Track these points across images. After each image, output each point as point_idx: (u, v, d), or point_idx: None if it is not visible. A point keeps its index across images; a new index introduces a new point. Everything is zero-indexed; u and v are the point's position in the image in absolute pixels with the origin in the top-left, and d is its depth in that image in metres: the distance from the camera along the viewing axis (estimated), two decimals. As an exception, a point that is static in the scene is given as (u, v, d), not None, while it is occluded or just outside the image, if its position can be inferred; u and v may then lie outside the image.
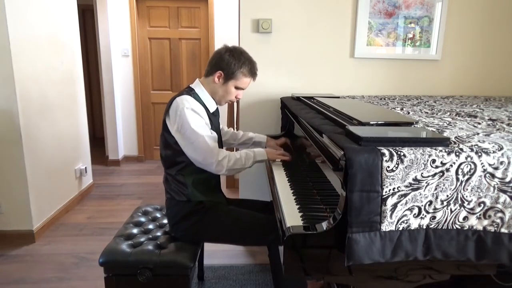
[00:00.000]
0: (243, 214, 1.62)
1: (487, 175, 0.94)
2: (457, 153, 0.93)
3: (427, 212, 0.94)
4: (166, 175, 1.62)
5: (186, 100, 1.49)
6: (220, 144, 1.73)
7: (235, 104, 2.77)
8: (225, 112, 3.75)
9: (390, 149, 0.91)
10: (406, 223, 0.94)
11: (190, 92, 1.57)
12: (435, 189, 0.93)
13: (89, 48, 5.31)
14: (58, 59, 2.92)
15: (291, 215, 1.18)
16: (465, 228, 0.96)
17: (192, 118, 1.47)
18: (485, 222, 0.96)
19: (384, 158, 0.90)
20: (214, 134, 1.55)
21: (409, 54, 2.49)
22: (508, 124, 1.31)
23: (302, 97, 2.09)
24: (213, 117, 1.63)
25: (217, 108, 1.70)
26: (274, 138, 2.26)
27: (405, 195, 0.92)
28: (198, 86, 1.61)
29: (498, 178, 0.94)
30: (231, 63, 1.54)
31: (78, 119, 3.28)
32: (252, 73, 1.60)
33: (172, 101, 1.52)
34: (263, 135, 1.97)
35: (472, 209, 0.96)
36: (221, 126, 1.86)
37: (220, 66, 1.55)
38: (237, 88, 1.60)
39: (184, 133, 1.47)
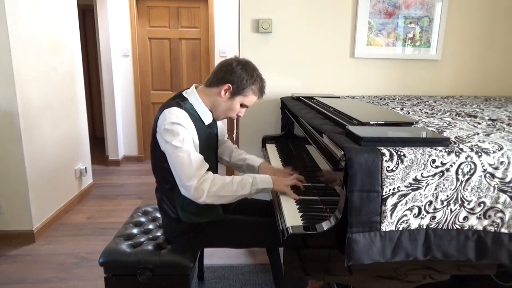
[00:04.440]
0: (242, 222, 1.56)
1: (487, 175, 0.94)
2: (457, 153, 0.93)
3: (427, 212, 0.94)
4: (157, 187, 1.52)
5: (174, 114, 1.33)
6: (215, 163, 1.60)
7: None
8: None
9: (390, 149, 0.91)
10: (406, 223, 0.94)
11: (182, 102, 1.41)
12: (435, 189, 0.93)
13: (89, 48, 5.31)
14: (58, 59, 2.91)
15: (291, 215, 1.18)
16: (465, 228, 0.96)
17: (176, 133, 1.32)
18: (485, 222, 0.96)
19: (384, 158, 0.90)
20: (201, 156, 1.38)
21: (409, 54, 2.49)
22: (508, 124, 1.31)
23: (302, 97, 2.08)
24: (209, 130, 1.50)
25: (214, 120, 1.56)
26: (274, 139, 2.25)
27: (405, 195, 0.92)
28: (193, 95, 1.45)
29: (498, 178, 0.94)
30: (243, 78, 1.41)
31: (78, 119, 3.28)
32: (261, 92, 1.50)
33: (161, 112, 1.38)
34: (259, 158, 1.71)
35: (472, 209, 0.96)
36: (225, 137, 1.74)
37: (229, 79, 1.41)
38: (242, 105, 1.48)
39: (167, 150, 1.35)
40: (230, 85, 1.42)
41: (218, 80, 1.43)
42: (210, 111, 1.50)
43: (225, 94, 1.43)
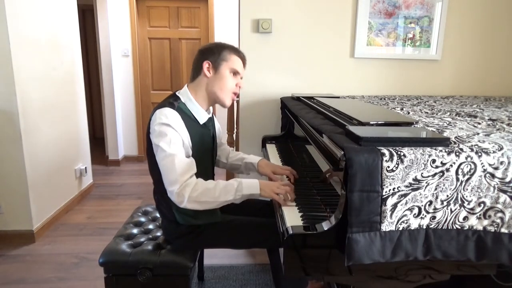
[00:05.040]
0: (241, 222, 1.55)
1: (487, 175, 0.94)
2: (457, 153, 0.93)
3: (427, 212, 0.94)
4: (154, 190, 1.50)
5: (164, 115, 1.32)
6: (211, 165, 1.57)
7: (235, 103, 2.76)
8: (225, 114, 3.75)
9: (390, 149, 0.91)
10: (406, 223, 0.94)
11: (175, 102, 1.39)
12: (435, 189, 0.93)
13: (89, 48, 5.31)
14: (58, 59, 2.91)
15: (291, 215, 1.18)
16: (465, 228, 0.96)
17: (164, 134, 1.30)
18: (485, 222, 0.96)
19: (384, 158, 0.90)
20: (191, 159, 1.36)
21: (409, 54, 2.49)
22: (508, 124, 1.31)
23: (302, 97, 2.08)
24: (203, 130, 1.47)
25: (211, 119, 1.53)
26: (274, 139, 2.24)
27: (405, 195, 0.92)
28: (185, 94, 1.44)
29: (498, 178, 0.94)
30: (213, 48, 1.45)
31: (78, 119, 3.28)
32: (238, 51, 1.47)
33: (153, 113, 1.37)
34: (257, 157, 1.67)
35: (472, 209, 0.96)
36: (223, 139, 1.72)
37: (204, 58, 1.44)
38: (234, 73, 1.45)
39: (155, 152, 1.34)
40: (208, 62, 1.43)
41: (197, 67, 1.47)
42: (210, 108, 1.49)
43: (209, 72, 1.44)
